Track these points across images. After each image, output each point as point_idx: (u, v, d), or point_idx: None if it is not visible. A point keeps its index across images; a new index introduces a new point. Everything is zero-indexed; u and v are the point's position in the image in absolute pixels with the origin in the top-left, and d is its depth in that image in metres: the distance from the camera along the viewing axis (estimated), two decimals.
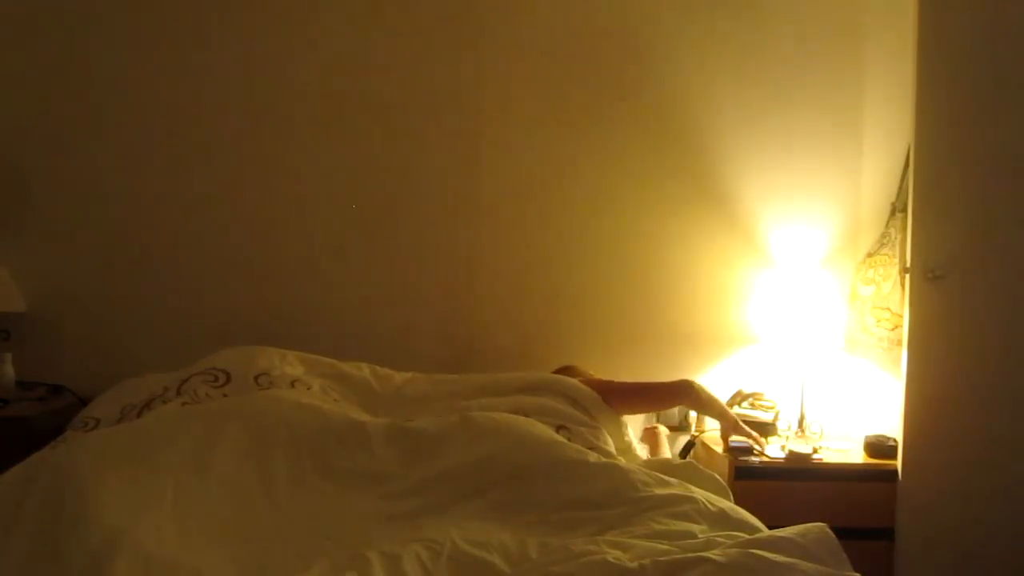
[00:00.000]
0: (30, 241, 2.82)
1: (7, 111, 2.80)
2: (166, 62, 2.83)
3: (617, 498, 1.82)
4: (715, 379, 2.94)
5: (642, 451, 2.57)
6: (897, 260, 2.73)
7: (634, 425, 2.84)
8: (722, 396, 2.81)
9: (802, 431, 2.77)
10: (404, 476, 1.91)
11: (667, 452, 2.71)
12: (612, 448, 2.28)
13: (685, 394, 2.59)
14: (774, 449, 2.66)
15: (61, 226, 2.84)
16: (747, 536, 1.61)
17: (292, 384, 2.32)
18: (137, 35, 2.82)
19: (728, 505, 1.85)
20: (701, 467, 2.19)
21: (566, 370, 2.69)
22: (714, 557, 1.46)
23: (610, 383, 2.51)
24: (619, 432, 2.46)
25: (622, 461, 2.07)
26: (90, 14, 2.80)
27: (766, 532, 1.67)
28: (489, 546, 1.60)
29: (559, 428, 2.20)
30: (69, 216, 2.84)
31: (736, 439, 2.68)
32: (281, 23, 2.85)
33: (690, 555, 1.48)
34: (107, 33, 2.81)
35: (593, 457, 1.97)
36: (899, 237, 2.73)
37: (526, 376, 2.53)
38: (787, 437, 2.73)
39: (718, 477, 2.11)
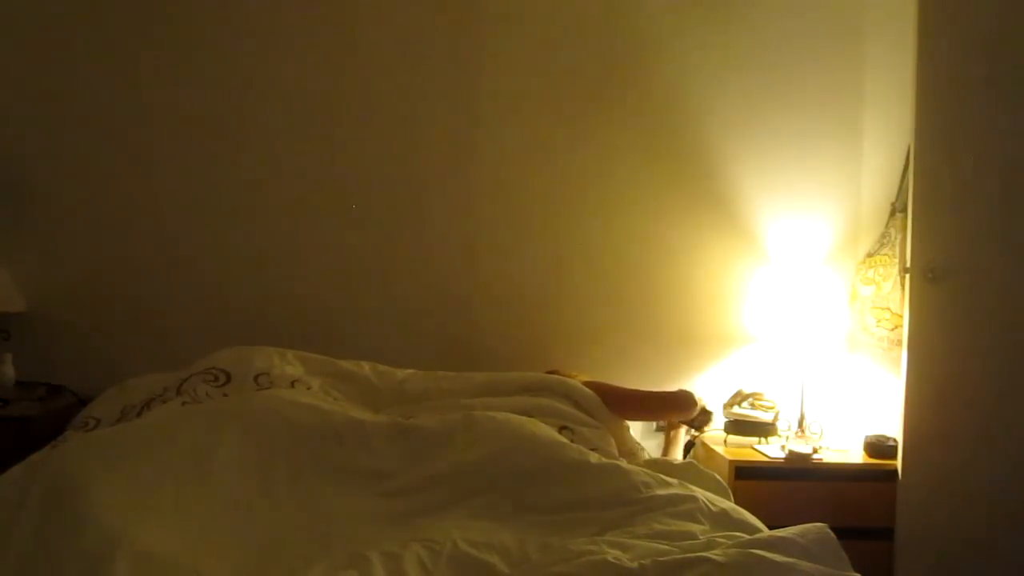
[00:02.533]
0: (30, 241, 2.82)
1: (8, 111, 2.79)
2: (168, 63, 2.82)
3: (618, 499, 1.82)
4: (716, 379, 2.95)
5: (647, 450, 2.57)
6: (897, 260, 2.72)
7: (635, 426, 2.84)
8: (723, 396, 2.82)
9: (802, 431, 2.77)
10: (405, 474, 1.92)
11: (679, 451, 2.71)
12: (615, 449, 2.28)
13: (685, 406, 2.59)
14: (774, 449, 2.66)
15: (61, 226, 2.83)
16: (747, 536, 1.62)
17: (292, 384, 2.32)
18: (138, 36, 2.81)
19: (729, 505, 1.85)
20: (702, 467, 2.20)
21: (551, 374, 2.69)
22: (714, 557, 1.46)
23: (610, 387, 2.51)
24: (622, 434, 2.46)
25: (624, 462, 2.07)
26: (91, 15, 2.80)
27: (766, 532, 1.67)
28: (490, 546, 1.60)
29: (562, 428, 2.19)
30: (69, 216, 2.83)
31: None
32: (281, 23, 2.85)
33: (690, 555, 1.48)
34: (108, 34, 2.80)
35: (595, 458, 1.97)
36: (899, 237, 2.73)
37: (527, 376, 2.53)
38: (787, 437, 2.73)
39: (719, 477, 2.11)
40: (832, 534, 1.59)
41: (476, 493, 1.86)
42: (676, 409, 2.64)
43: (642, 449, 2.54)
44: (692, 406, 2.61)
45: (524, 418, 2.13)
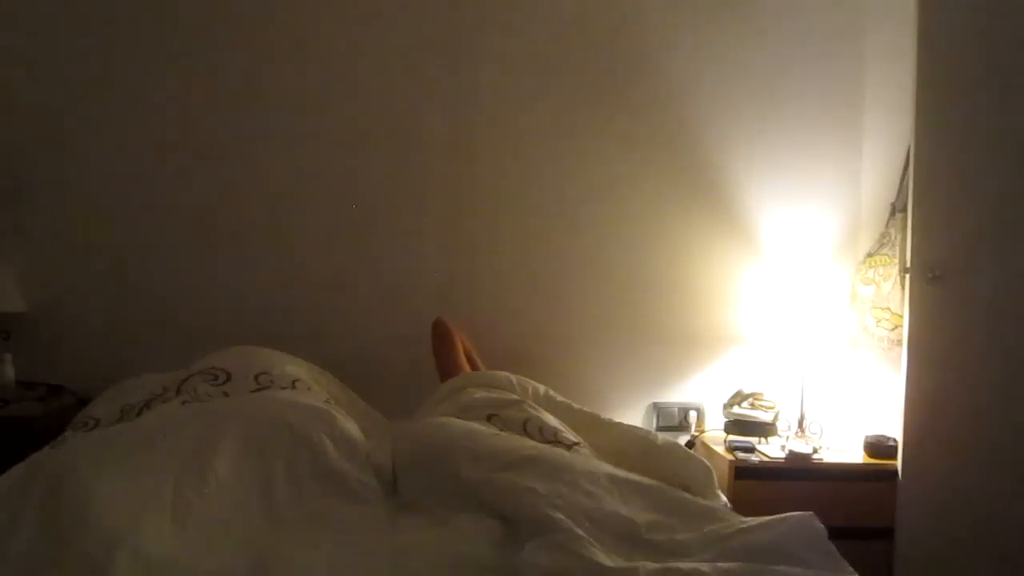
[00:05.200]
0: (30, 241, 2.82)
1: (8, 112, 2.79)
2: (167, 65, 2.82)
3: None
4: (715, 379, 2.95)
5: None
6: (897, 260, 2.73)
7: (631, 415, 2.84)
8: (723, 396, 2.82)
9: (802, 431, 2.77)
10: (383, 501, 1.91)
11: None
12: (546, 416, 2.24)
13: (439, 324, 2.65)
14: (774, 449, 2.66)
15: (61, 226, 2.83)
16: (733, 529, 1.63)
17: (293, 383, 2.32)
18: (138, 38, 2.81)
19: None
20: (685, 449, 2.17)
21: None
22: (705, 569, 1.45)
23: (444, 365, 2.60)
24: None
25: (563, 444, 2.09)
26: (91, 16, 2.80)
27: (754, 532, 1.65)
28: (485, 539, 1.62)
29: (490, 417, 2.19)
30: (69, 216, 2.83)
31: (735, 438, 2.69)
32: (279, 26, 2.85)
33: (683, 566, 1.47)
34: (108, 35, 2.80)
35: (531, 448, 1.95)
36: (899, 237, 2.73)
37: (439, 391, 2.51)
38: (787, 437, 2.73)
39: (705, 461, 2.09)
40: (820, 527, 1.59)
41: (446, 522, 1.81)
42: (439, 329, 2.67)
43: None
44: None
45: (445, 420, 2.14)
